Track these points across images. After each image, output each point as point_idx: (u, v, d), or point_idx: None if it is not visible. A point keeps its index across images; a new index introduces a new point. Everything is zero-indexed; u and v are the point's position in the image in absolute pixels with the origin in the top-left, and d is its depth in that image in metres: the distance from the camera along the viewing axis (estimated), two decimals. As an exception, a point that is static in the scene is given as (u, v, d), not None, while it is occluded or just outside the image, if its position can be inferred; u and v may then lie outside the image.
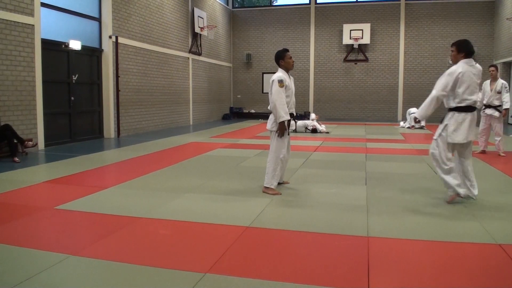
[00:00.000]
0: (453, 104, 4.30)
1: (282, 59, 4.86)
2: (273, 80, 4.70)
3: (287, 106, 4.73)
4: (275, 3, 19.77)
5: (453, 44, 4.43)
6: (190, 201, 4.53)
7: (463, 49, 4.33)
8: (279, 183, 5.02)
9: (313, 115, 13.74)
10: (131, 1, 11.50)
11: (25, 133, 7.90)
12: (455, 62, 4.38)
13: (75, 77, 9.67)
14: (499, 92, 7.53)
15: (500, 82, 7.60)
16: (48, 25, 8.78)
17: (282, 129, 4.73)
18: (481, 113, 7.88)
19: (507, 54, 14.96)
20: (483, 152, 7.83)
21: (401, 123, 14.68)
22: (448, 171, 4.33)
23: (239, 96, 19.75)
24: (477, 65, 4.39)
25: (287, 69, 4.89)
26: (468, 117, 4.28)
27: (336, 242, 3.31)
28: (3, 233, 3.44)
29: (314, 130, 11.99)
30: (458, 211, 4.12)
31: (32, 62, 8.13)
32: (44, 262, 2.82)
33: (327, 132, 12.04)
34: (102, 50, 10.64)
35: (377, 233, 3.45)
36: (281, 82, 4.66)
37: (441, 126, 4.40)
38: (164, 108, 13.55)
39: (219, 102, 18.30)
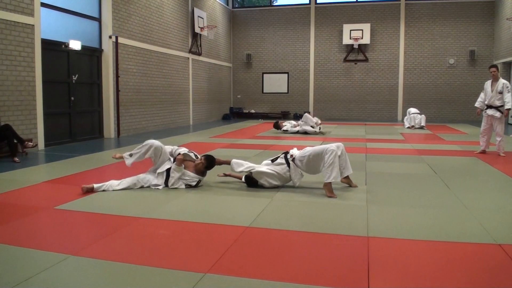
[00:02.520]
0: None
1: None
2: None
3: None
4: (275, 3, 19.76)
5: None
6: (190, 201, 4.54)
7: None
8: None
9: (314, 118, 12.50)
10: (131, 1, 11.49)
11: (25, 133, 7.90)
12: None
13: (75, 77, 9.67)
14: (501, 92, 7.49)
15: (501, 82, 7.54)
16: (48, 25, 8.77)
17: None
18: (483, 113, 7.87)
19: (507, 54, 14.96)
20: (483, 152, 7.83)
21: (405, 122, 14.12)
22: None
23: (239, 96, 19.73)
24: None
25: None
26: None
27: (336, 242, 3.31)
28: (3, 233, 3.44)
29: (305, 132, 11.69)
30: (458, 211, 4.13)
31: (32, 62, 8.12)
32: (44, 262, 2.82)
33: (323, 133, 11.80)
34: (102, 50, 10.64)
35: (377, 233, 3.45)
36: None
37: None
38: (164, 108, 13.55)
39: (219, 102, 18.29)
